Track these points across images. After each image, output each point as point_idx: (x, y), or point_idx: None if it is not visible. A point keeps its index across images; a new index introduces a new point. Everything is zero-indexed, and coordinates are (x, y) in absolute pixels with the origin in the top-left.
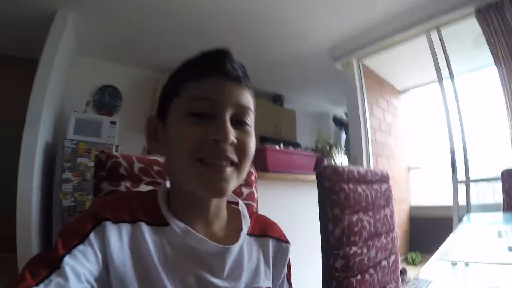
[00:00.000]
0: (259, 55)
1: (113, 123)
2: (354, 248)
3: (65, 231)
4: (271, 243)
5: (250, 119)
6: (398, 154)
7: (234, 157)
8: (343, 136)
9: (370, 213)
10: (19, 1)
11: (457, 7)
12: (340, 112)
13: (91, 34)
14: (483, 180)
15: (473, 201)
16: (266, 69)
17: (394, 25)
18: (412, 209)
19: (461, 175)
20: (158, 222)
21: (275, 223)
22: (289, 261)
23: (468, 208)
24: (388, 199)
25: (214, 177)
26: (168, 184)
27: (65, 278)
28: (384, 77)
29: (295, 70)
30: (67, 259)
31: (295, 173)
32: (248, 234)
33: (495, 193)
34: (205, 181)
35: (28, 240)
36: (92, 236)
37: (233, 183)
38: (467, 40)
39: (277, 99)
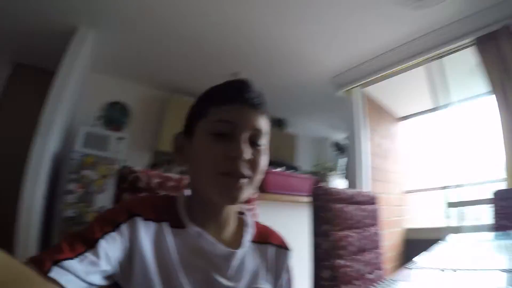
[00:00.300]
0: (264, 81)
1: (120, 138)
2: (340, 261)
3: (101, 218)
4: (272, 250)
5: (264, 141)
6: (394, 178)
7: (248, 172)
8: (342, 160)
9: (357, 230)
10: (43, 13)
11: (457, 38)
12: (340, 137)
13: (106, 52)
14: (475, 203)
15: (467, 223)
16: (270, 93)
17: (395, 56)
18: (407, 231)
19: (453, 198)
20: (177, 225)
21: (276, 231)
22: (290, 266)
23: (459, 230)
24: (375, 219)
25: (231, 187)
26: (186, 193)
27: (98, 257)
28: (384, 104)
29: (297, 96)
30: (101, 242)
31: (291, 194)
32: (252, 241)
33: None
34: (223, 190)
35: (27, 247)
36: (124, 227)
37: (245, 193)
38: (465, 69)
39: (279, 123)
